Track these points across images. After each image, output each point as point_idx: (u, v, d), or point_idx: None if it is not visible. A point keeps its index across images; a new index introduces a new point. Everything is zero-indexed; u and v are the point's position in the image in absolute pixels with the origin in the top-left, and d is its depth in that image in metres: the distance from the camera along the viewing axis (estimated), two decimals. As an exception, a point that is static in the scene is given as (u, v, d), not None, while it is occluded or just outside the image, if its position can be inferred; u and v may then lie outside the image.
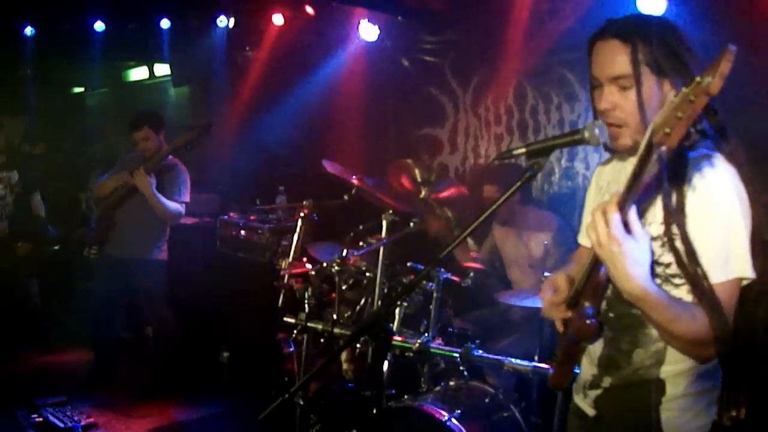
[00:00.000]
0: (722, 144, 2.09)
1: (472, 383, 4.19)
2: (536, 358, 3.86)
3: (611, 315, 2.30)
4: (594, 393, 2.40)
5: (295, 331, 4.47)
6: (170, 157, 5.94)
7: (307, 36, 7.78)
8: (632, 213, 1.89)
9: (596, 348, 2.38)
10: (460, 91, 7.09)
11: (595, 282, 2.18)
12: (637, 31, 2.16)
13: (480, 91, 6.93)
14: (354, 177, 4.97)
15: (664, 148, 1.76)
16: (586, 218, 2.70)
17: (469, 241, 5.54)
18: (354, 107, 7.73)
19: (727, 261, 2.03)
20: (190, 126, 5.92)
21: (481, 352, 3.92)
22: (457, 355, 3.97)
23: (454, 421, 3.64)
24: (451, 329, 4.63)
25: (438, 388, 4.16)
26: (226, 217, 7.20)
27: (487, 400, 4.02)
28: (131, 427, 5.55)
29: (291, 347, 5.01)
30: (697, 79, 1.66)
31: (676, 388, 2.21)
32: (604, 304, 2.30)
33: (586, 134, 2.04)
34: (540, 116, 6.46)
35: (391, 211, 4.56)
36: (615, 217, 1.86)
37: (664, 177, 1.91)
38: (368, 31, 7.10)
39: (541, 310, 4.06)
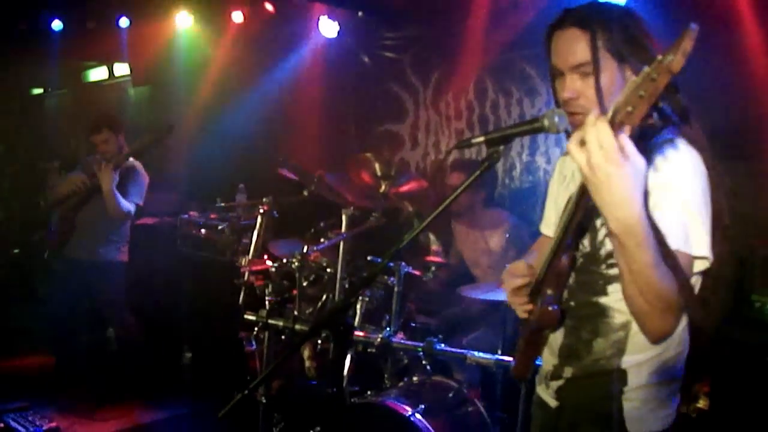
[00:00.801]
0: (684, 128, 2.08)
1: (435, 378, 4.20)
2: (499, 351, 3.87)
3: (572, 304, 2.29)
4: (556, 384, 2.39)
5: (256, 329, 4.44)
6: (129, 159, 5.87)
7: (267, 33, 7.72)
8: (624, 137, 1.74)
9: (557, 338, 2.37)
10: (421, 86, 7.09)
11: (557, 269, 2.19)
12: (595, 18, 2.16)
13: (440, 86, 6.94)
14: (315, 172, 4.96)
15: (626, 127, 1.73)
16: (548, 208, 2.71)
17: (431, 236, 5.53)
18: (314, 104, 7.71)
19: (686, 234, 2.00)
20: (152, 129, 5.84)
21: (443, 345, 3.91)
22: (419, 349, 3.96)
23: (417, 416, 3.65)
24: (413, 324, 4.63)
25: (401, 384, 4.17)
26: (186, 216, 7.13)
27: (450, 395, 4.03)
28: (94, 430, 5.50)
29: (252, 345, 4.98)
30: (659, 57, 1.64)
31: (638, 378, 2.21)
32: (565, 293, 2.29)
33: (546, 122, 1.98)
34: (501, 111, 6.47)
35: (351, 207, 4.54)
36: (608, 131, 1.73)
37: None
38: (328, 27, 7.08)
39: (502, 304, 4.13)
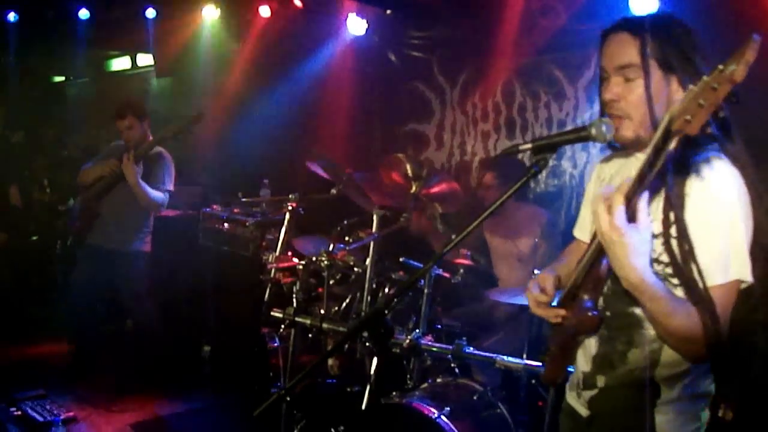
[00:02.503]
0: (728, 145, 2.07)
1: (460, 380, 4.18)
2: (524, 355, 3.85)
3: (608, 314, 2.27)
4: (588, 393, 2.38)
5: (282, 326, 4.43)
6: (156, 147, 5.86)
7: (294, 29, 7.71)
8: (642, 202, 1.88)
9: (591, 345, 2.36)
10: (448, 87, 7.08)
11: (596, 276, 2.18)
12: (647, 25, 2.17)
13: (468, 87, 6.93)
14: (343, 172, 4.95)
15: (684, 134, 1.74)
16: (585, 212, 2.71)
17: (453, 237, 5.51)
18: (340, 101, 7.70)
19: (726, 263, 2.02)
20: (181, 116, 5.83)
21: (471, 349, 3.90)
22: (448, 352, 3.94)
23: (443, 418, 3.62)
24: (438, 326, 4.60)
25: (425, 385, 4.13)
26: (209, 209, 7.12)
27: (475, 398, 4.00)
28: (111, 421, 5.46)
29: (276, 342, 4.97)
30: (720, 67, 1.65)
31: (670, 391, 2.21)
32: (600, 302, 2.28)
33: (593, 131, 2.05)
34: (528, 114, 6.46)
35: (380, 207, 4.53)
36: (619, 207, 1.86)
37: (669, 172, 1.92)
38: (356, 24, 7.07)
39: (529, 308, 4.11)
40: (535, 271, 4.29)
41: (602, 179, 2.53)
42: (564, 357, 2.42)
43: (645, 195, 1.88)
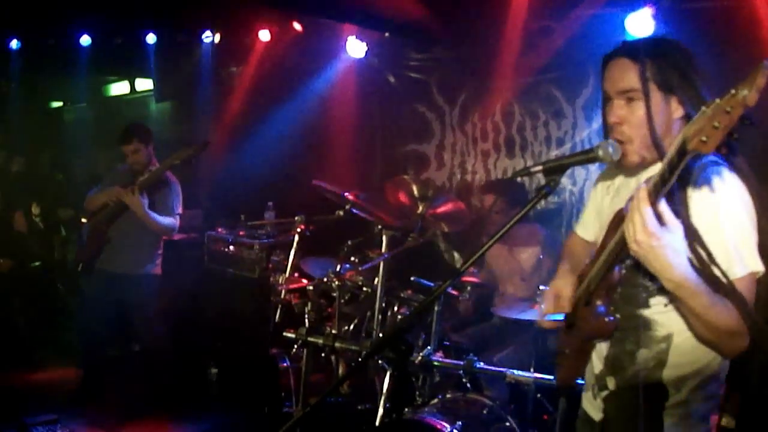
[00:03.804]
0: (730, 157, 2.16)
1: (469, 395, 4.24)
2: (532, 369, 3.92)
3: (618, 316, 2.35)
4: (601, 395, 2.46)
5: (296, 346, 4.49)
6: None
7: (294, 52, 7.80)
8: (663, 205, 1.96)
9: (603, 347, 2.45)
10: (447, 107, 7.16)
11: (609, 282, 2.28)
12: (646, 50, 2.26)
13: (467, 107, 7.01)
14: (348, 193, 5.01)
15: (700, 153, 1.84)
16: (588, 212, 2.79)
17: (455, 254, 5.59)
18: (340, 123, 7.78)
19: (741, 257, 2.11)
20: (188, 143, 5.87)
21: (482, 364, 3.97)
22: (460, 368, 4.01)
23: (456, 432, 3.69)
24: (447, 342, 4.67)
25: (436, 401, 4.19)
26: (214, 232, 7.18)
27: (485, 412, 4.06)
28: (123, 444, 5.51)
29: (286, 362, 5.02)
30: (733, 91, 1.73)
31: (678, 394, 2.29)
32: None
33: (600, 152, 2.18)
34: (527, 133, 6.54)
35: (383, 227, 4.59)
36: (649, 211, 1.94)
37: (674, 185, 1.99)
38: (356, 47, 7.16)
39: (536, 323, 4.18)
40: (541, 287, 4.39)
41: (607, 185, 2.62)
42: (578, 360, 2.50)
43: (663, 201, 1.96)
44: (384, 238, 4.49)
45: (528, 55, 6.17)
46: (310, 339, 4.27)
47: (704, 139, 1.79)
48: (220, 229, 7.21)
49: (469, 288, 4.84)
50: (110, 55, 8.93)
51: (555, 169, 2.21)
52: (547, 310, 2.53)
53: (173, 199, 5.96)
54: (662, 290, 2.20)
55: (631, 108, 2.25)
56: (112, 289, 5.95)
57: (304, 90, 7.80)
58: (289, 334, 4.38)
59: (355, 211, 4.99)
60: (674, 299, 2.12)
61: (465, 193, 6.87)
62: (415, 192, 4.67)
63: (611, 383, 2.42)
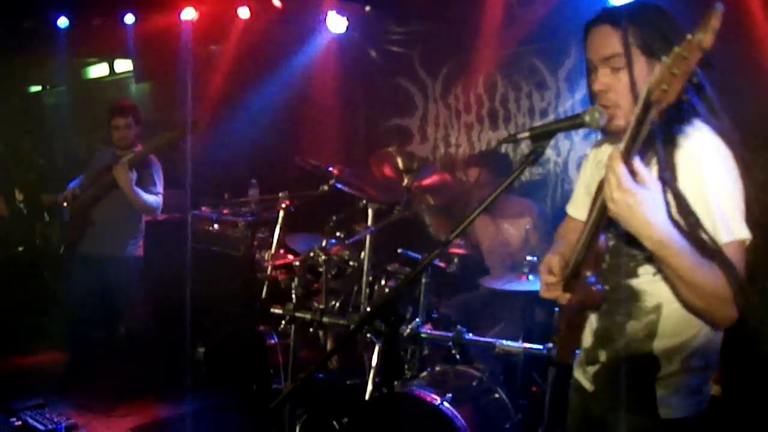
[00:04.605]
0: (713, 120, 2.15)
1: (459, 367, 4.24)
2: (521, 340, 3.92)
3: (606, 287, 2.31)
4: (592, 369, 2.46)
5: (283, 322, 4.47)
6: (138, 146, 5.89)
7: (275, 29, 7.73)
8: (638, 163, 1.93)
9: (593, 320, 2.44)
10: (429, 81, 7.13)
11: (596, 251, 2.24)
12: (627, 15, 2.24)
13: (449, 80, 7.00)
14: (332, 168, 4.98)
15: (663, 103, 1.82)
16: (579, 190, 2.80)
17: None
18: (323, 99, 7.73)
19: (728, 224, 2.09)
20: (169, 123, 5.83)
21: (471, 335, 3.96)
22: (449, 339, 4.00)
23: (446, 404, 3.69)
24: (435, 314, 4.66)
25: (425, 374, 4.20)
26: (198, 211, 7.13)
27: (474, 384, 4.07)
28: (111, 427, 5.49)
29: (274, 339, 5.01)
30: (689, 36, 1.74)
31: (670, 365, 2.27)
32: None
33: (587, 118, 2.15)
34: (510, 104, 6.53)
35: (368, 201, 4.57)
36: (622, 168, 1.91)
37: (658, 141, 1.98)
38: (336, 22, 7.10)
39: (522, 294, 4.20)
40: (528, 258, 4.38)
41: (598, 161, 2.60)
42: (572, 334, 2.48)
43: (638, 158, 1.93)
44: (369, 211, 4.47)
45: (510, 27, 6.14)
46: (297, 315, 4.25)
47: (665, 87, 1.79)
48: (203, 208, 7.15)
49: (456, 260, 4.83)
50: (88, 37, 8.82)
51: (542, 135, 2.19)
52: (545, 283, 2.50)
53: (154, 177, 5.94)
54: (650, 259, 2.20)
55: (617, 76, 2.24)
56: (95, 272, 5.94)
57: (285, 67, 7.72)
58: (277, 310, 4.35)
59: (339, 185, 4.97)
60: (658, 260, 2.07)
61: (449, 167, 6.85)
62: (400, 165, 4.64)
63: (602, 356, 2.41)
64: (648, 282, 2.27)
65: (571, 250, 2.40)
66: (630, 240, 2.19)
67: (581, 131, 5.49)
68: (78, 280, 6.07)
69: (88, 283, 5.99)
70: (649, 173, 1.94)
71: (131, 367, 6.17)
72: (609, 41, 2.24)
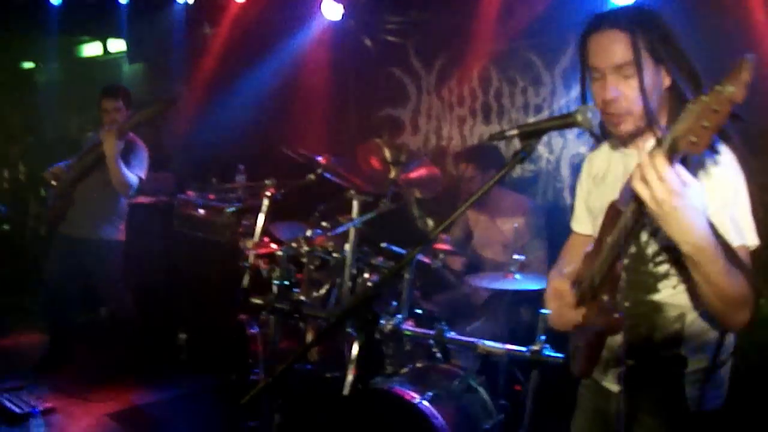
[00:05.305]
0: (723, 133, 2.13)
1: (440, 365, 4.19)
2: (504, 340, 3.85)
3: (627, 304, 2.31)
4: (617, 370, 2.45)
5: (263, 312, 4.40)
6: (130, 133, 5.80)
7: (269, 14, 7.64)
8: (679, 166, 1.87)
9: (617, 337, 2.38)
10: (424, 72, 7.05)
11: (613, 276, 2.22)
12: (634, 20, 2.22)
13: (444, 73, 6.91)
14: (320, 157, 4.92)
15: (691, 154, 1.81)
16: (578, 205, 2.76)
17: (429, 221, 5.51)
18: (315, 86, 7.65)
19: (738, 229, 2.11)
20: (154, 99, 5.77)
21: (453, 333, 3.90)
22: (430, 337, 3.94)
23: (425, 403, 3.64)
24: (418, 311, 4.60)
25: (405, 370, 4.15)
26: (183, 195, 7.06)
27: (455, 382, 4.02)
28: (89, 411, 5.41)
29: (255, 328, 4.94)
30: (718, 87, 1.68)
31: (698, 363, 2.31)
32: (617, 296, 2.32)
33: (579, 117, 2.09)
34: (504, 99, 6.45)
35: (355, 192, 4.51)
36: (669, 169, 1.83)
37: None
38: (331, 9, 7.01)
39: (507, 293, 4.13)
40: (515, 256, 4.32)
41: (593, 174, 2.61)
42: (592, 353, 2.44)
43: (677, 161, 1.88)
44: (355, 203, 4.41)
45: (507, 21, 6.06)
46: (277, 305, 4.19)
47: (694, 140, 1.75)
48: (189, 193, 7.08)
49: (441, 255, 4.76)
50: (82, 15, 8.75)
51: (531, 134, 2.14)
52: (556, 309, 2.46)
53: (138, 160, 5.87)
54: (669, 275, 2.24)
55: (629, 83, 2.21)
56: (75, 254, 5.91)
57: (278, 53, 7.65)
58: (257, 300, 4.29)
59: (326, 175, 4.91)
60: (692, 265, 2.01)
61: (440, 159, 6.78)
62: (388, 156, 4.58)
63: (629, 361, 2.38)
64: (669, 295, 2.30)
65: (578, 269, 2.40)
66: (648, 258, 2.25)
67: (575, 129, 5.44)
68: (57, 262, 6.03)
69: (66, 264, 5.96)
70: (690, 175, 1.89)
71: (111, 352, 6.14)
72: (618, 48, 2.20)
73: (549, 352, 3.45)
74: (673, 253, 2.19)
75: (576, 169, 5.87)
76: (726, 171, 2.11)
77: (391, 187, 4.55)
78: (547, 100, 6.15)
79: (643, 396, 2.36)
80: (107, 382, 5.87)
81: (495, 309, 4.82)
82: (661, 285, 2.29)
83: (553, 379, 3.62)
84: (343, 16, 7.09)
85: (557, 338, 3.53)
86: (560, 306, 2.41)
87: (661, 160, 1.83)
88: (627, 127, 2.25)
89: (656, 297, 2.31)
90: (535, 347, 3.42)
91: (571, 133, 5.88)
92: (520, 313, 4.72)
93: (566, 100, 5.98)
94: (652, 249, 2.28)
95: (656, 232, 2.22)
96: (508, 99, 6.42)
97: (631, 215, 2.07)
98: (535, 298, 4.32)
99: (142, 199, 6.81)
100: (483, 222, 5.35)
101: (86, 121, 5.93)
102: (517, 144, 2.18)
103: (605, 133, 2.48)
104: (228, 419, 4.93)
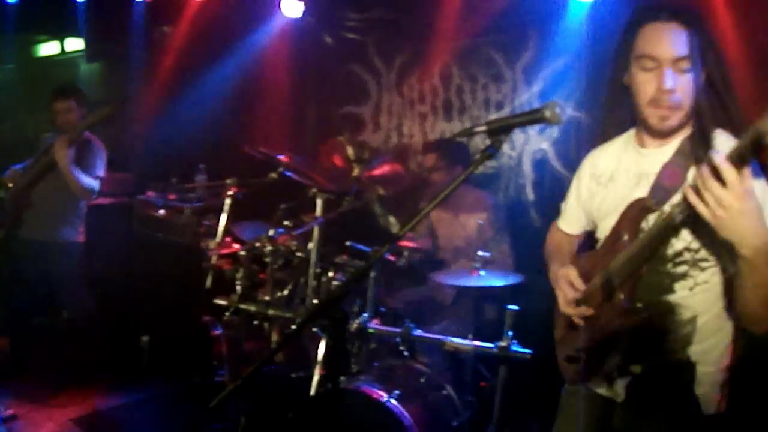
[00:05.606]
0: None
1: (407, 363, 4.18)
2: (470, 336, 3.85)
3: (639, 305, 2.32)
4: (623, 380, 2.42)
5: (227, 313, 4.37)
6: (86, 133, 5.71)
7: (228, 12, 7.58)
8: (747, 172, 1.86)
9: (622, 338, 2.40)
10: (384, 69, 7.03)
11: (636, 277, 2.26)
12: (694, 17, 2.24)
13: (405, 70, 6.90)
14: (281, 155, 4.89)
15: None
16: (571, 206, 2.76)
17: (391, 219, 5.50)
18: (275, 84, 7.61)
19: None
20: (106, 100, 5.70)
21: (420, 331, 3.90)
22: (397, 335, 3.94)
23: (393, 401, 3.64)
24: (383, 309, 4.58)
25: (372, 369, 4.13)
26: (143, 196, 6.97)
27: (422, 380, 4.03)
28: (52, 417, 5.33)
29: (219, 330, 4.90)
30: None
31: (706, 366, 2.31)
32: None
33: (547, 113, 2.09)
34: (465, 96, 6.46)
35: (318, 190, 4.49)
36: (735, 173, 1.83)
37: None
38: (291, 6, 6.97)
39: (474, 290, 4.13)
40: (479, 253, 4.32)
41: (596, 174, 2.59)
42: (595, 354, 2.44)
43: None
44: (318, 201, 4.38)
45: (468, 17, 6.07)
46: (242, 306, 4.16)
47: None
48: (149, 193, 6.99)
49: (406, 253, 4.75)
50: (39, 14, 8.63)
51: (499, 130, 2.14)
52: (572, 296, 2.44)
53: (95, 159, 5.79)
54: (687, 276, 2.24)
55: (686, 77, 2.21)
56: (35, 257, 5.83)
57: (237, 51, 7.57)
58: (221, 301, 4.26)
59: (288, 173, 4.88)
60: (747, 268, 1.98)
61: (402, 156, 6.77)
62: (351, 154, 4.57)
63: (636, 369, 2.39)
64: (684, 297, 2.28)
65: (580, 262, 2.45)
66: (667, 259, 2.25)
67: (536, 125, 5.46)
68: (16, 265, 5.94)
69: (26, 268, 5.89)
70: (751, 180, 1.88)
71: (73, 356, 6.05)
72: (680, 40, 2.21)
73: (517, 347, 3.47)
74: (694, 253, 2.21)
75: (538, 165, 5.90)
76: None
77: (354, 185, 4.53)
78: (508, 96, 6.16)
79: (651, 404, 2.36)
80: (69, 386, 5.78)
81: (461, 306, 4.82)
82: (677, 286, 2.28)
83: (520, 374, 3.64)
84: (302, 13, 7.06)
85: (524, 333, 3.56)
86: (569, 292, 2.44)
87: (726, 164, 1.83)
88: (673, 122, 2.25)
89: (671, 298, 2.29)
90: (503, 343, 3.43)
91: (533, 129, 5.91)
92: (484, 309, 4.73)
93: (528, 96, 5.99)
94: (672, 249, 2.27)
95: (678, 232, 2.22)
96: (470, 95, 6.42)
97: (678, 216, 2.08)
98: (500, 295, 4.35)
99: (102, 200, 6.70)
100: (446, 219, 5.34)
101: (43, 122, 5.82)
102: (478, 141, 2.17)
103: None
104: (193, 422, 4.88)
